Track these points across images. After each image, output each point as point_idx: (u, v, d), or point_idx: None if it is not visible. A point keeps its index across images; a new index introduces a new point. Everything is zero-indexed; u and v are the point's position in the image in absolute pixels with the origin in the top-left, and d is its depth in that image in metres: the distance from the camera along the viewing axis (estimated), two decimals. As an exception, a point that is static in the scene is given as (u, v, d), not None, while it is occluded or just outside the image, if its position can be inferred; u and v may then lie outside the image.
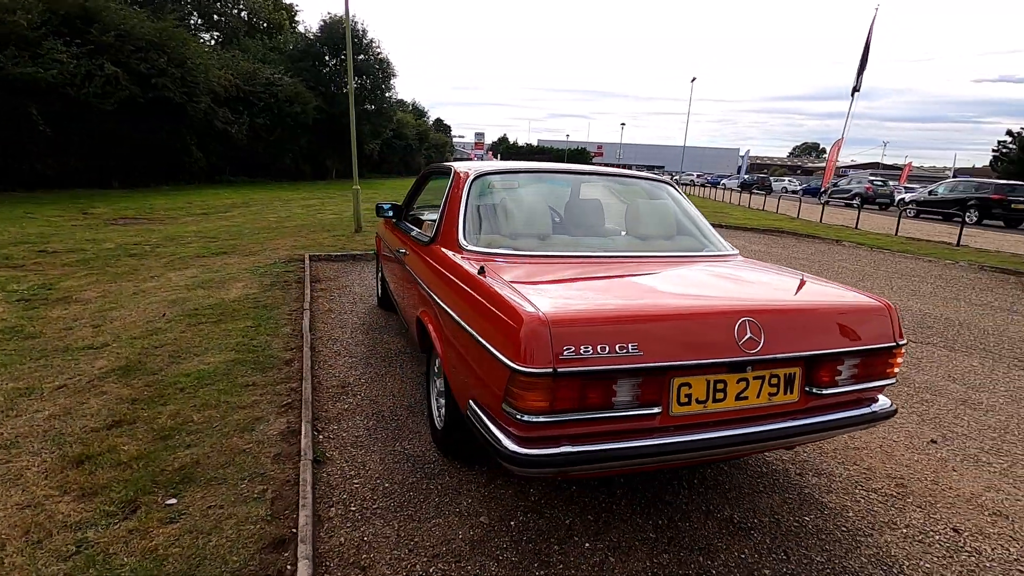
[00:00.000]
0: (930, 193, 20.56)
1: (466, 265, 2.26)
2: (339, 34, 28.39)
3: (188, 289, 5.34)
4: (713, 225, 3.19)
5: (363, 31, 29.29)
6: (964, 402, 3.57)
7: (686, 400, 1.79)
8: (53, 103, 14.49)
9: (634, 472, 2.47)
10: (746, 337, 1.79)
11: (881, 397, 2.17)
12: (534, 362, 1.60)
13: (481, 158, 51.96)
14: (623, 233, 2.93)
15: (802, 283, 2.32)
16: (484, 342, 1.82)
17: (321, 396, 3.20)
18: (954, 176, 37.43)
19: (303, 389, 3.11)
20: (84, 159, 16.07)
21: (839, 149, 19.29)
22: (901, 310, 5.75)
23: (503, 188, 2.88)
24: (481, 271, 2.08)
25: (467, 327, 1.98)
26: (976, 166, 59.42)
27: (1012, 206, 17.35)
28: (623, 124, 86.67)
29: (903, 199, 22.75)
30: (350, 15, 28.76)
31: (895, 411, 2.15)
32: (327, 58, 29.15)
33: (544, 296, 1.82)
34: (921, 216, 20.31)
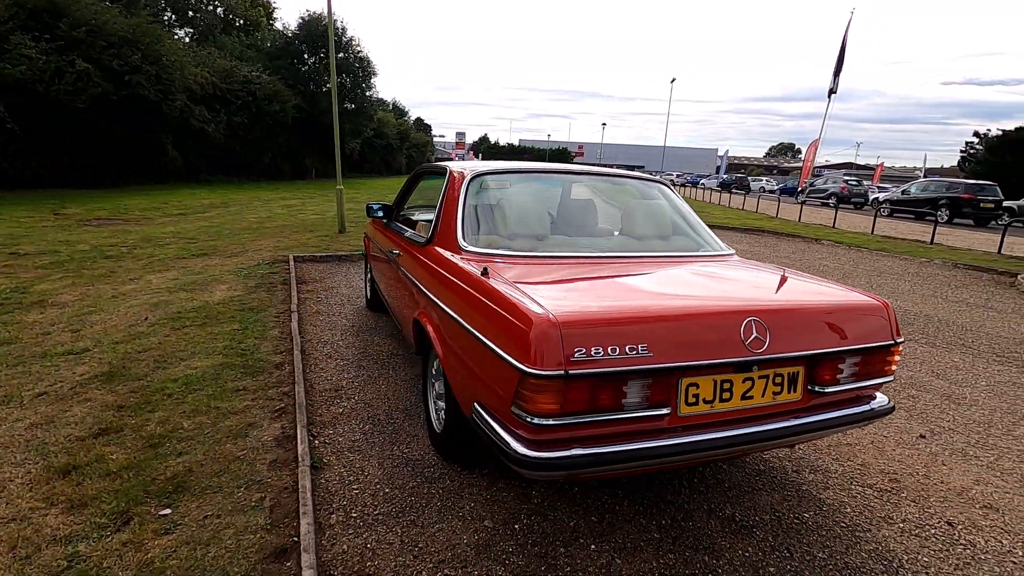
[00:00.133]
0: (903, 193, 21.09)
1: (467, 266, 2.24)
2: (318, 32, 28.01)
3: (170, 292, 5.21)
4: None
5: (343, 29, 28.97)
6: (948, 397, 3.65)
7: (694, 400, 1.79)
8: (21, 100, 14.03)
9: (643, 473, 2.47)
10: (752, 337, 1.80)
11: (878, 394, 2.20)
12: (545, 364, 1.58)
13: (462, 158, 51.80)
14: (620, 233, 2.93)
15: (801, 283, 2.35)
16: (491, 344, 1.80)
17: (314, 400, 3.14)
18: (924, 176, 38.45)
19: (296, 393, 3.05)
20: (55, 158, 15.58)
21: (816, 149, 19.66)
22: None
23: (501, 188, 2.86)
24: (484, 272, 2.06)
25: (472, 329, 1.95)
26: (944, 166, 61.17)
27: (981, 205, 17.89)
28: (604, 124, 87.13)
29: (877, 199, 23.29)
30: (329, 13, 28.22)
31: (893, 408, 2.18)
32: (306, 56, 28.73)
33: (551, 297, 1.80)
34: (894, 215, 20.81)
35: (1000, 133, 33.12)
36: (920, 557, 2.09)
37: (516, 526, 2.15)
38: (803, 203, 19.28)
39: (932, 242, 11.73)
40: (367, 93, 30.84)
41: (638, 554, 2.03)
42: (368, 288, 5.00)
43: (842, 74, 16.92)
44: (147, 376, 3.29)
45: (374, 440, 2.74)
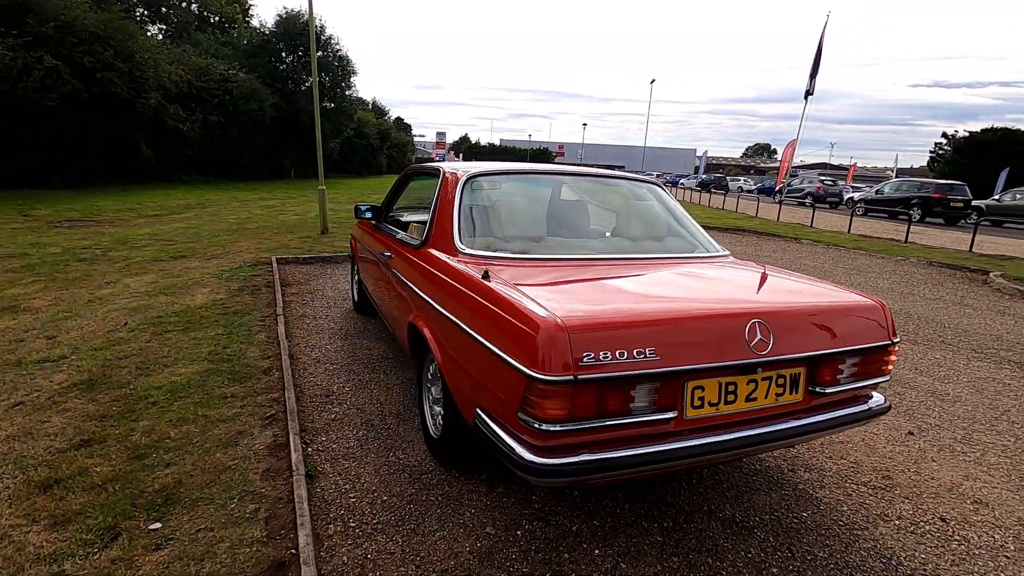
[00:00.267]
0: (877, 192, 21.58)
1: (467, 269, 2.20)
2: (296, 29, 27.62)
3: (149, 295, 5.07)
4: None
5: (321, 27, 28.60)
6: (933, 394, 3.73)
7: (699, 403, 1.78)
8: (-14, 97, 13.58)
9: (650, 477, 2.46)
10: (756, 339, 1.80)
11: (875, 394, 2.23)
12: (554, 369, 1.56)
13: (443, 158, 51.57)
14: (616, 235, 2.92)
15: (799, 284, 2.36)
16: (495, 349, 1.76)
17: (305, 406, 3.07)
18: (896, 176, 39.46)
19: (286, 399, 2.98)
20: (22, 157, 15.09)
21: (794, 150, 20.01)
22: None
23: (496, 189, 2.83)
24: (485, 276, 2.03)
25: (474, 334, 1.92)
26: (914, 166, 62.84)
27: (951, 205, 18.39)
28: (584, 124, 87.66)
29: (851, 198, 23.80)
30: (306, 10, 27.85)
31: (889, 407, 2.21)
32: (284, 54, 28.30)
33: (557, 301, 1.78)
34: (869, 214, 21.27)
35: (967, 134, 34.16)
36: (917, 554, 2.12)
37: (518, 532, 2.12)
38: (781, 202, 19.59)
39: (907, 241, 12.02)
40: (347, 92, 30.52)
41: (642, 558, 2.02)
42: (355, 290, 4.93)
43: (817, 76, 17.25)
44: (129, 384, 3.18)
45: (369, 446, 2.69)
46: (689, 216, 3.10)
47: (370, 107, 45.43)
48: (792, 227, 14.51)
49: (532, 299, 1.77)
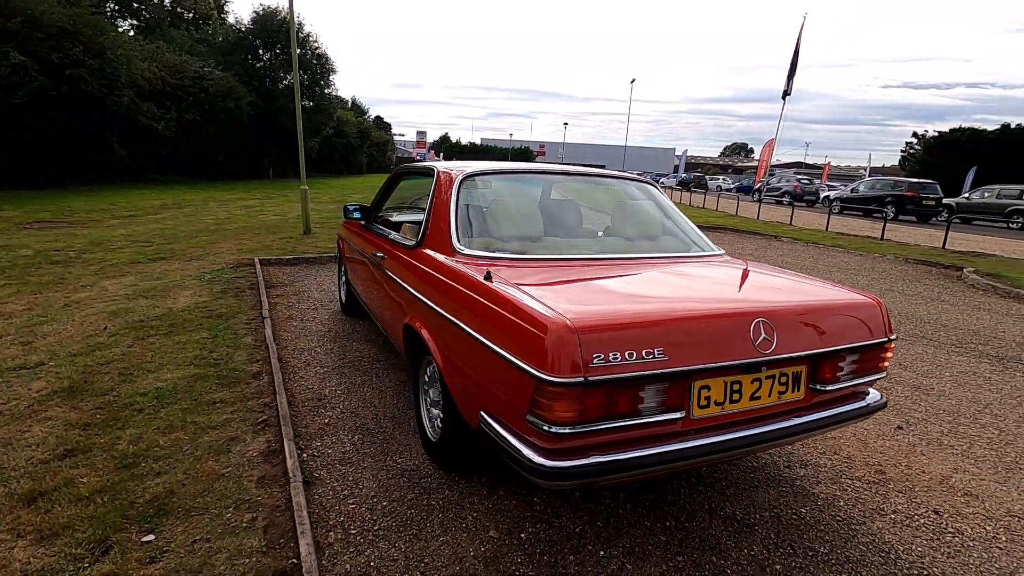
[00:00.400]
0: (852, 191, 22.06)
1: (467, 270, 2.17)
2: (273, 26, 27.15)
3: (129, 299, 4.92)
4: None
5: (299, 24, 28.18)
6: (918, 388, 3.80)
7: (705, 403, 1.78)
8: (-51, 95, 13.08)
9: (658, 477, 2.46)
10: (761, 338, 1.81)
11: (871, 390, 2.26)
12: (563, 371, 1.54)
13: (424, 157, 51.27)
14: (612, 234, 2.92)
15: (797, 282, 2.39)
16: (502, 351, 1.74)
17: (298, 411, 3.01)
18: (869, 175, 40.39)
19: (279, 404, 2.91)
20: (-12, 157, 14.59)
21: (772, 149, 20.33)
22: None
23: (493, 189, 2.80)
24: (488, 277, 2.00)
25: (478, 336, 1.89)
26: (886, 165, 64.41)
27: (923, 203, 18.90)
28: (566, 124, 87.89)
29: (827, 196, 24.29)
30: (283, 7, 27.23)
31: (885, 403, 2.24)
32: (261, 51, 27.80)
33: (563, 301, 1.76)
34: (844, 212, 21.72)
35: (936, 134, 35.08)
36: (914, 547, 2.16)
37: (522, 535, 2.10)
38: (760, 201, 19.89)
39: (883, 238, 12.29)
40: (326, 91, 30.13)
41: (647, 558, 2.02)
42: (343, 292, 4.85)
43: (795, 77, 17.55)
44: (113, 390, 3.08)
45: (365, 451, 2.64)
46: (683, 215, 3.11)
47: (349, 106, 44.91)
48: (772, 225, 14.73)
49: (538, 300, 1.75)
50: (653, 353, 1.63)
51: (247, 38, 27.51)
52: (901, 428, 3.19)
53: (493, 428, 1.82)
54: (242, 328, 4.24)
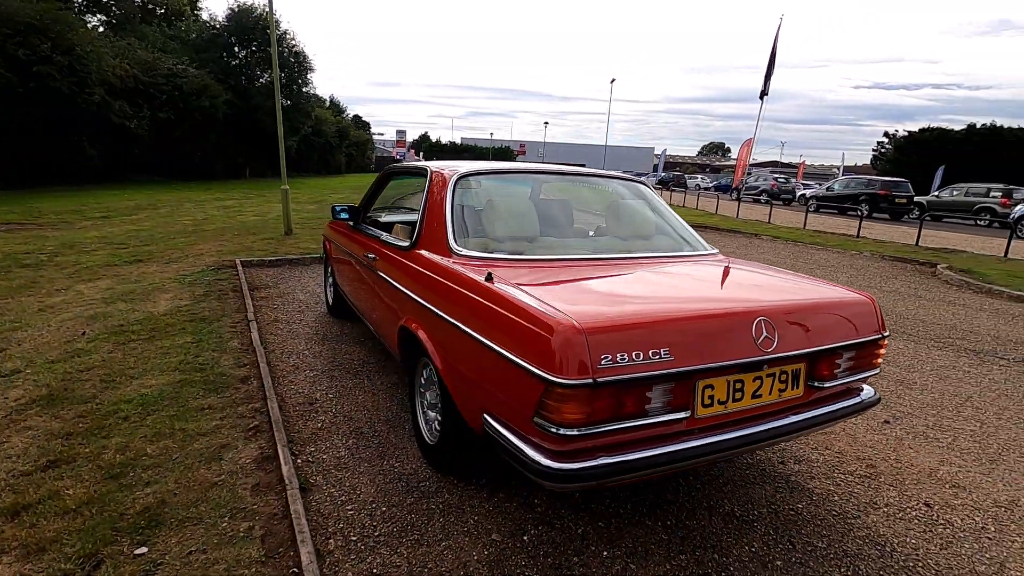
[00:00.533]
0: (827, 189, 22.52)
1: (467, 271, 2.15)
2: (249, 23, 26.69)
3: (106, 303, 4.79)
4: None
5: (276, 22, 27.71)
6: (901, 383, 3.89)
7: (709, 402, 1.79)
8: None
9: (664, 477, 2.47)
10: (763, 336, 1.82)
11: (865, 386, 2.30)
12: (572, 373, 1.53)
13: (404, 156, 50.88)
14: (607, 234, 2.92)
15: (792, 281, 2.42)
16: (507, 354, 1.72)
17: (289, 415, 2.95)
18: (843, 174, 41.29)
19: (270, 409, 2.85)
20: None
21: (750, 149, 20.65)
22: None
23: (488, 189, 2.78)
24: (489, 278, 1.98)
25: (481, 338, 1.87)
26: (858, 164, 65.92)
27: (896, 201, 19.38)
28: (546, 123, 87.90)
29: (803, 195, 24.75)
30: (258, 4, 26.74)
31: (879, 399, 2.28)
32: (236, 49, 27.29)
33: (566, 302, 1.75)
34: (820, 210, 22.16)
35: (906, 134, 36.00)
36: (908, 540, 2.20)
37: (525, 538, 2.09)
38: (740, 200, 20.18)
39: (859, 236, 12.57)
40: (304, 89, 29.71)
41: (650, 557, 2.02)
42: (330, 293, 4.78)
43: (772, 77, 17.85)
44: (95, 398, 2.99)
45: (361, 455, 2.60)
46: (676, 214, 3.13)
47: (327, 104, 44.30)
48: (751, 223, 14.96)
49: (542, 301, 1.74)
50: (659, 353, 1.63)
51: (222, 35, 26.99)
52: (888, 422, 3.25)
53: (497, 431, 1.81)
54: (227, 332, 4.15)
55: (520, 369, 1.66)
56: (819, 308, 2.06)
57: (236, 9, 27.06)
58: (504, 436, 1.76)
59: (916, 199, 20.00)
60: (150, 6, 31.04)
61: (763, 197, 26.30)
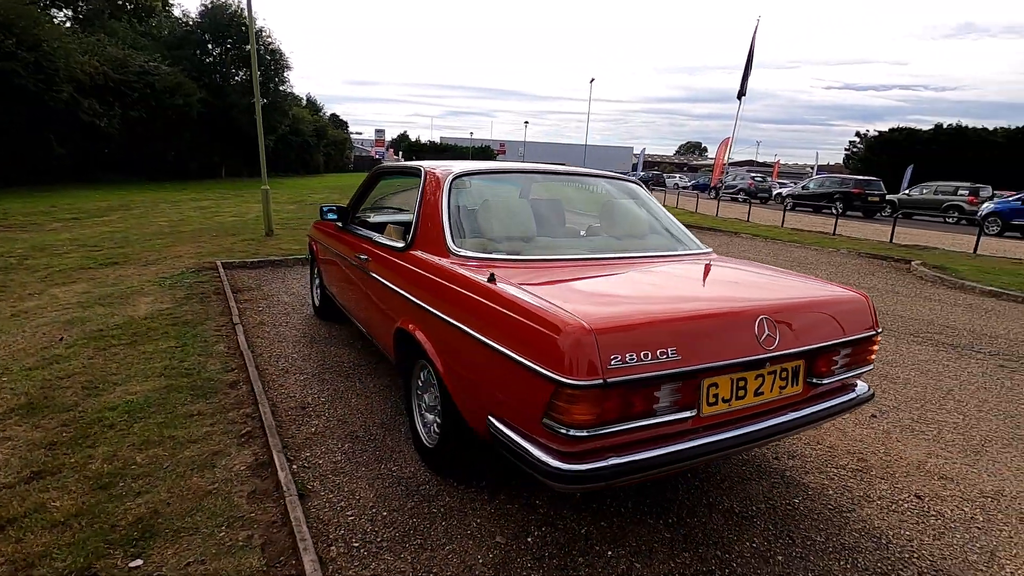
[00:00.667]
0: (803, 188, 22.98)
1: (467, 272, 2.13)
2: (223, 20, 26.15)
3: (83, 307, 4.64)
4: None
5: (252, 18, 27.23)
6: (885, 377, 3.98)
7: (714, 400, 1.80)
8: None
9: (670, 475, 2.48)
10: (764, 335, 1.84)
11: (859, 382, 2.34)
12: (582, 374, 1.53)
13: (383, 156, 50.45)
14: (603, 234, 2.92)
15: (789, 279, 2.45)
16: (514, 355, 1.71)
17: (282, 420, 2.89)
18: (816, 173, 42.16)
19: (262, 414, 2.79)
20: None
21: (728, 149, 20.95)
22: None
23: (482, 189, 2.76)
24: (491, 279, 1.97)
25: (485, 339, 1.86)
26: (831, 163, 67.37)
27: (869, 199, 19.87)
28: (527, 122, 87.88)
29: (780, 193, 25.20)
30: (233, 1, 26.23)
31: (873, 395, 2.33)
32: (210, 46, 26.73)
33: (572, 302, 1.75)
34: (796, 208, 22.58)
35: (877, 134, 36.97)
36: (902, 531, 2.24)
37: (529, 539, 2.08)
38: (719, 198, 20.46)
39: (835, 233, 12.84)
40: (280, 87, 29.25)
41: (654, 556, 2.03)
42: (317, 295, 4.70)
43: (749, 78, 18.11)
44: (77, 406, 2.89)
45: (358, 459, 2.56)
46: (669, 213, 3.15)
47: (304, 103, 43.67)
48: (731, 222, 15.18)
49: (548, 301, 1.73)
50: (667, 353, 1.63)
51: (195, 32, 26.42)
52: (875, 416, 3.32)
53: (504, 433, 1.79)
54: (212, 335, 4.06)
55: (528, 371, 1.65)
56: (817, 306, 2.10)
57: (209, 6, 26.50)
58: (511, 438, 1.75)
59: (888, 197, 20.52)
60: (119, 2, 30.24)
61: (741, 196, 26.71)
